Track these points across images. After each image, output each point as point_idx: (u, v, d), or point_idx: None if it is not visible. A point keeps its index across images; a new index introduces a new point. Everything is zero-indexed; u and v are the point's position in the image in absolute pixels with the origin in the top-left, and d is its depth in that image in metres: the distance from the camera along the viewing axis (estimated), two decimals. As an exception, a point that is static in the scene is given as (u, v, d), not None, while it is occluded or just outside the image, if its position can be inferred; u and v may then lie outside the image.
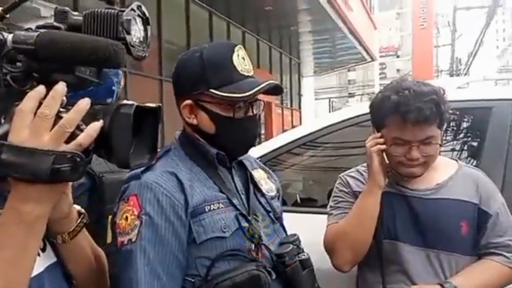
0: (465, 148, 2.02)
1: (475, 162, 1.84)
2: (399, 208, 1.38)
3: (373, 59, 17.80)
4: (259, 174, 1.22)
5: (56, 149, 0.61)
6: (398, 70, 30.26)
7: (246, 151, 1.16)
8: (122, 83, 1.39)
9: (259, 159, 2.05)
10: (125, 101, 0.68)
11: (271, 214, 1.16)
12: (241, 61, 1.08)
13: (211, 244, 1.01)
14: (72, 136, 0.63)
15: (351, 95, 28.08)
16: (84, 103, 0.64)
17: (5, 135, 0.61)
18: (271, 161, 2.06)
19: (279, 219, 1.19)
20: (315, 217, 1.62)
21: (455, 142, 2.01)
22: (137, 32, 0.71)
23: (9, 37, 0.66)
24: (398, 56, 34.48)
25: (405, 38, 32.98)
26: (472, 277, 1.32)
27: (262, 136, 11.97)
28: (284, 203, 2.20)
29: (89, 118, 0.65)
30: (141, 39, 0.72)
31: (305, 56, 15.14)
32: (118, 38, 0.67)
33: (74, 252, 0.82)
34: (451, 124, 2.01)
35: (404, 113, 1.27)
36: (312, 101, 18.75)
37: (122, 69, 1.33)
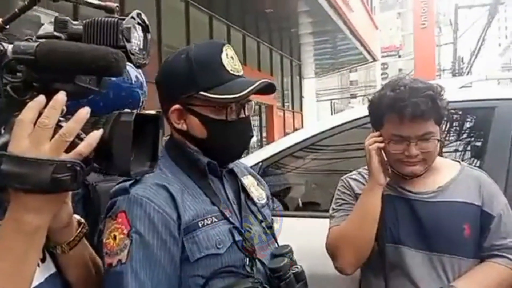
0: (468, 148, 2.01)
1: (478, 163, 1.83)
2: (402, 212, 1.37)
3: (374, 60, 17.72)
4: (248, 181, 1.16)
5: (56, 158, 0.61)
6: (400, 70, 30.13)
7: (240, 156, 1.11)
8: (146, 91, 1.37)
9: (261, 163, 2.05)
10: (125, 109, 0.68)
11: (263, 224, 1.10)
12: (230, 60, 1.02)
13: (205, 261, 0.95)
14: (72, 145, 0.63)
15: (353, 96, 28.03)
16: (83, 112, 0.64)
17: (5, 146, 0.62)
18: (273, 165, 2.06)
19: (271, 229, 1.13)
20: (319, 222, 1.61)
21: (458, 142, 2.00)
22: (137, 39, 0.71)
23: (9, 47, 0.66)
24: (400, 56, 34.44)
25: (406, 38, 32.91)
26: (475, 280, 1.31)
27: (264, 139, 11.99)
28: (286, 207, 2.22)
29: (89, 127, 0.65)
30: (141, 46, 0.72)
31: (306, 58, 15.12)
32: (118, 46, 0.67)
33: (73, 261, 0.82)
34: (454, 124, 2.01)
35: (400, 108, 1.27)
36: (313, 103, 18.73)
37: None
